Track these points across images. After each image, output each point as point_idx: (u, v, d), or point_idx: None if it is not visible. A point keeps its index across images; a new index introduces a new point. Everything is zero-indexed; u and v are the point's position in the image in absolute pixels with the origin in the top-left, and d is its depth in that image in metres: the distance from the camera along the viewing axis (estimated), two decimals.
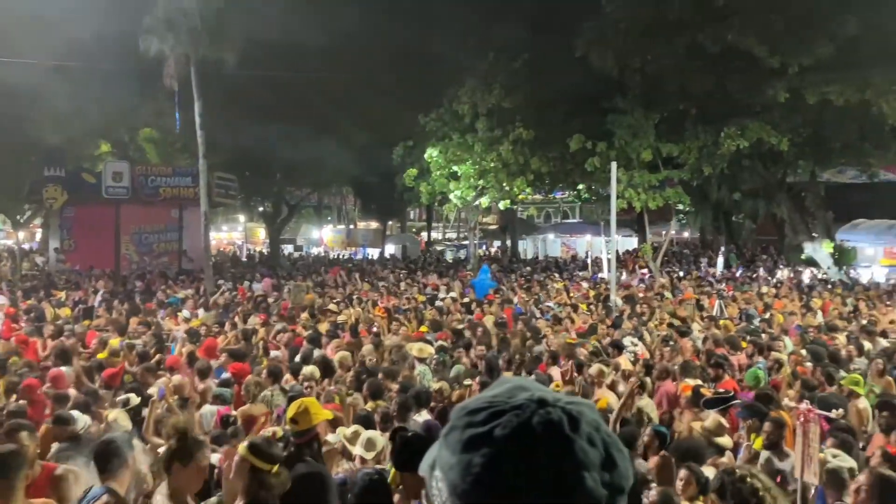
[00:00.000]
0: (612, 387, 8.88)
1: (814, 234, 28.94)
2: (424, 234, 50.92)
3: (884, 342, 11.99)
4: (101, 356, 10.32)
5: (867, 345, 11.47)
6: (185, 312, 15.70)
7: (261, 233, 48.72)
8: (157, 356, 10.73)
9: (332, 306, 16.15)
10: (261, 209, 42.70)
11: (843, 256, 28.46)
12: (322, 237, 50.74)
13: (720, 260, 30.43)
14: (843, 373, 9.48)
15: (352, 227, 52.21)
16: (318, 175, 35.49)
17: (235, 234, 55.14)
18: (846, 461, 5.12)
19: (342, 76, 29.90)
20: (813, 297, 18.53)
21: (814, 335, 12.77)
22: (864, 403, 8.23)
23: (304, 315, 14.38)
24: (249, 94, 27.73)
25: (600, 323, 14.03)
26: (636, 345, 11.71)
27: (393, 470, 3.83)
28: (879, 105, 21.89)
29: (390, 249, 44.52)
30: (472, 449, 0.97)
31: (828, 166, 26.40)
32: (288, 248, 46.13)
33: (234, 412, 7.42)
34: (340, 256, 42.30)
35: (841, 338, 12.28)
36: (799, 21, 21.70)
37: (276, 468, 4.20)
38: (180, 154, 32.19)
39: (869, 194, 32.15)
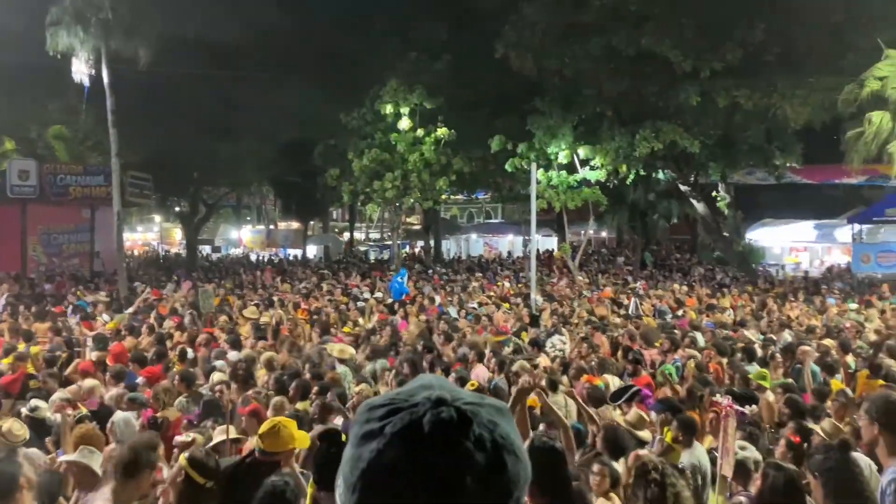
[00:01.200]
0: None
1: (724, 234, 30.04)
2: (347, 235, 50.53)
3: (788, 337, 12.51)
4: (5, 362, 9.84)
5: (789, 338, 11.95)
6: (105, 316, 15.17)
7: (177, 233, 47.43)
8: (74, 361, 10.27)
9: (251, 309, 15.83)
10: (177, 209, 41.56)
11: (752, 255, 29.65)
12: (241, 238, 49.74)
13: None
14: (755, 366, 9.88)
15: (272, 227, 51.36)
16: (236, 174, 34.77)
17: (150, 234, 53.49)
18: (752, 453, 5.32)
19: (262, 74, 29.40)
20: (724, 295, 19.26)
21: (724, 332, 13.26)
22: (772, 397, 8.56)
23: (223, 318, 14.04)
24: (165, 91, 26.90)
25: (518, 321, 14.22)
26: (565, 343, 11.83)
27: (311, 486, 3.75)
28: (784, 108, 22.92)
29: (312, 250, 44.00)
30: (364, 443, 0.98)
31: (737, 168, 27.44)
32: (206, 249, 45.03)
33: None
34: (261, 258, 41.54)
35: (750, 333, 12.73)
36: (710, 27, 22.54)
37: (210, 484, 4.11)
38: (91, 152, 30.99)
39: (776, 195, 33.62)
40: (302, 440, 4.53)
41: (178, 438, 6.08)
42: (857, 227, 26.13)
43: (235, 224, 51.82)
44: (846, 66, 20.83)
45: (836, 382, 9.10)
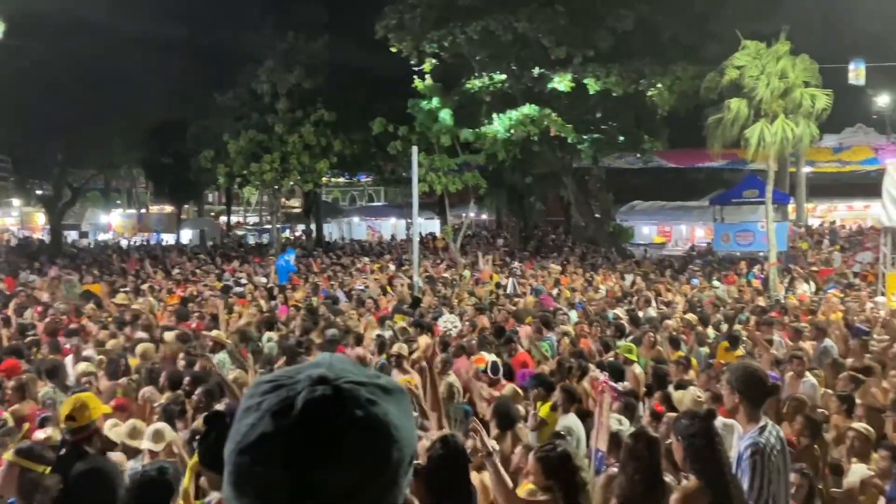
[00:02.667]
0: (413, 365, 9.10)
1: (596, 215, 31.28)
2: (224, 219, 49.04)
3: (652, 312, 13.24)
4: None
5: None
6: None
7: (40, 218, 44.56)
8: None
9: (121, 297, 15.17)
10: (39, 192, 39.00)
11: (621, 235, 31.01)
12: (110, 223, 47.30)
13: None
14: (622, 342, 10.42)
15: (143, 211, 49.12)
16: (104, 156, 32.97)
17: (9, 219, 49.98)
18: (626, 426, 5.62)
19: (129, 52, 27.93)
20: (597, 274, 20.09)
21: (595, 308, 13.88)
22: (638, 369, 9.08)
23: (89, 307, 13.37)
24: (25, 69, 25.13)
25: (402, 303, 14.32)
26: (455, 325, 11.80)
27: (192, 464, 3.70)
28: (651, 95, 24.09)
29: (187, 235, 42.43)
30: (242, 418, 1.00)
31: (608, 152, 28.58)
32: (72, 235, 42.57)
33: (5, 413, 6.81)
34: (132, 243, 39.70)
35: (619, 311, 13.39)
36: (581, 14, 23.33)
37: (47, 469, 3.96)
38: None
39: (645, 178, 35.32)
40: (104, 408, 4.58)
41: (35, 435, 5.78)
42: (717, 208, 27.73)
43: (104, 208, 49.20)
44: (708, 55, 22.12)
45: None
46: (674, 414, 6.03)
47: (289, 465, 0.96)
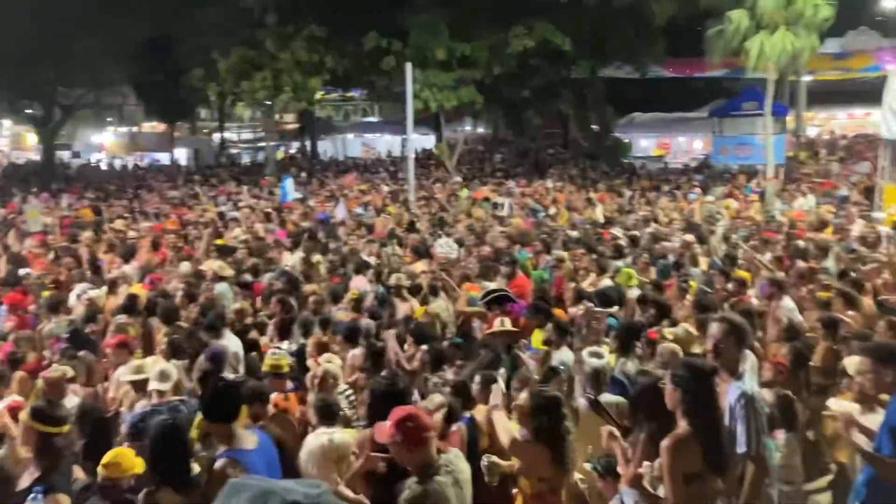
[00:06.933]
0: (413, 293, 9.19)
1: (594, 128, 30.96)
2: (217, 136, 48.39)
3: (650, 231, 13.19)
4: None
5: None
6: None
7: (30, 138, 43.97)
8: None
9: (118, 222, 15.19)
10: (29, 112, 38.34)
11: (619, 149, 30.78)
12: (102, 142, 46.72)
13: None
14: (620, 262, 10.40)
15: (136, 129, 48.41)
16: (94, 73, 32.31)
17: (0, 140, 49.37)
18: (604, 360, 5.63)
19: None
20: (596, 191, 19.88)
21: (590, 229, 13.85)
22: (636, 293, 9.03)
23: (87, 234, 13.34)
24: None
25: (398, 226, 14.29)
26: (453, 249, 11.69)
27: (200, 417, 3.81)
28: (650, 5, 23.47)
29: (181, 154, 41.98)
30: None
31: (606, 64, 28.04)
32: (65, 155, 42.14)
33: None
34: (126, 163, 39.38)
35: (616, 230, 13.33)
36: None
37: (65, 428, 4.06)
38: None
39: (643, 90, 34.69)
40: (138, 467, 4.27)
41: (46, 373, 5.89)
42: (716, 120, 27.43)
43: (96, 127, 48.49)
44: None
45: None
46: (671, 346, 6.10)
47: None
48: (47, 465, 3.97)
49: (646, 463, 3.82)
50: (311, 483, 1.11)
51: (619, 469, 3.97)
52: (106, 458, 4.18)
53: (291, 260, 11.02)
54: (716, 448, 3.63)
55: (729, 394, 3.95)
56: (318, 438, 4.57)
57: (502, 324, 7.00)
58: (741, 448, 3.83)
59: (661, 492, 3.69)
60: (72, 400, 5.49)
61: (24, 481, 4.03)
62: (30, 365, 6.66)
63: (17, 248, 12.75)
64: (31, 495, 3.75)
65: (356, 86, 36.71)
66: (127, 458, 4.04)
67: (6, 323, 8.27)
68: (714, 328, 4.19)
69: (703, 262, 10.75)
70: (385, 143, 44.60)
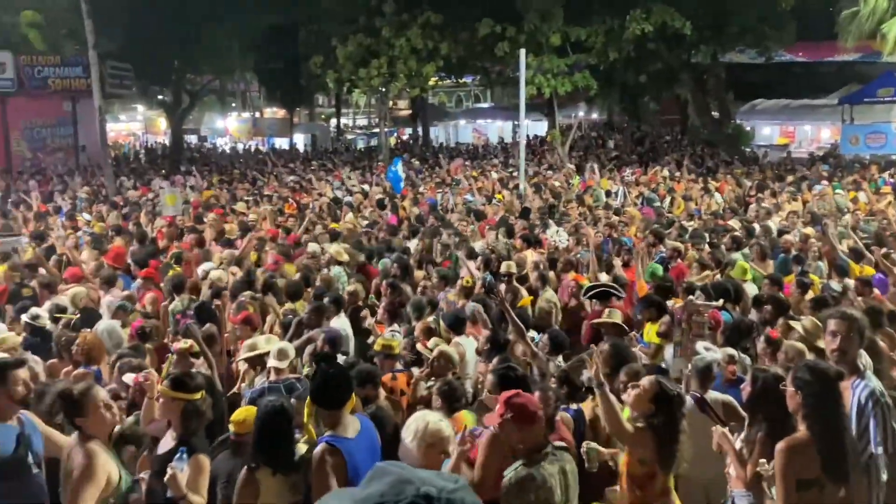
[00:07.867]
0: (522, 281, 9.16)
1: (714, 114, 29.83)
2: (334, 122, 49.72)
3: (772, 224, 12.58)
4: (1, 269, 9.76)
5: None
6: (86, 215, 15.04)
7: (161, 122, 46.58)
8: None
9: (240, 205, 15.86)
10: (160, 97, 40.60)
11: (741, 137, 29.54)
12: (227, 127, 48.95)
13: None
14: (738, 255, 9.99)
15: (257, 115, 50.41)
16: (219, 60, 33.89)
17: (135, 125, 52.50)
18: (715, 354, 5.44)
19: None
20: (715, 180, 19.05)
21: (709, 220, 13.37)
22: (754, 290, 8.65)
23: (211, 215, 13.98)
24: None
25: (509, 213, 14.23)
26: (563, 238, 11.43)
27: (309, 401, 3.95)
28: None
29: (299, 139, 43.44)
30: None
31: (728, 49, 26.93)
32: (192, 139, 44.43)
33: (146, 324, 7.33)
34: (248, 147, 41.08)
35: (733, 222, 12.80)
36: None
37: (201, 394, 4.32)
38: (67, 40, 29.90)
39: (767, 74, 33.10)
40: None
41: (176, 345, 6.27)
42: (846, 107, 25.91)
43: (220, 112, 50.86)
44: None
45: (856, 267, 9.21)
46: (798, 345, 5.78)
47: None
48: (187, 429, 4.25)
49: (762, 461, 3.70)
50: (450, 477, 1.13)
51: (731, 471, 3.85)
52: (236, 416, 4.51)
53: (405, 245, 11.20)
54: (837, 455, 3.46)
55: (854, 392, 3.76)
56: (415, 422, 4.59)
57: (609, 315, 6.90)
58: (877, 449, 3.64)
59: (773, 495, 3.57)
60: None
61: (166, 444, 4.34)
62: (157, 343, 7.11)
63: (148, 228, 13.51)
64: (178, 455, 4.02)
65: (469, 72, 36.78)
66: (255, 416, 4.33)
67: (146, 295, 8.76)
68: (835, 325, 4.01)
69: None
70: (496, 129, 44.57)
